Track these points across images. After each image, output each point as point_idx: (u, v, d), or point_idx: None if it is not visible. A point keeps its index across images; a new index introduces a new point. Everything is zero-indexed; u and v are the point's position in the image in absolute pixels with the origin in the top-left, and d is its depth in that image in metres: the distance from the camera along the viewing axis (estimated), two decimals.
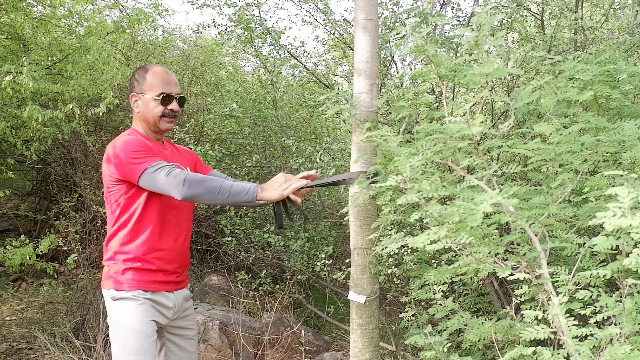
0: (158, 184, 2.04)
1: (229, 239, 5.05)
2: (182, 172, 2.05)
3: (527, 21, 5.05)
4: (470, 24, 4.24)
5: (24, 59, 4.32)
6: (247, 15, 5.34)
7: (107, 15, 6.22)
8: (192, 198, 2.02)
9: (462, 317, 2.36)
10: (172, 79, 2.30)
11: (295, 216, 2.33)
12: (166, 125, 2.28)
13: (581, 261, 1.89)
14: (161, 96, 2.23)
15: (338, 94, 2.79)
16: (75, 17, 5.22)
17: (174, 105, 2.26)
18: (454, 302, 2.60)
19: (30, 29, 5.10)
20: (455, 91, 4.12)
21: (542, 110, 2.19)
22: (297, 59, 5.91)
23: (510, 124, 1.98)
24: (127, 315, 2.14)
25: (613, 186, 1.24)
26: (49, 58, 4.93)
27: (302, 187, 2.19)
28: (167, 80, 2.27)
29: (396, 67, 4.98)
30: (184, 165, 2.38)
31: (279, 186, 2.12)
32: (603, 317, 1.74)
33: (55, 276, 5.06)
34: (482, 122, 1.75)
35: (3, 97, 4.16)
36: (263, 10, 5.64)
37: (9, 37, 4.81)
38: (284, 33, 5.65)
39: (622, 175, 1.54)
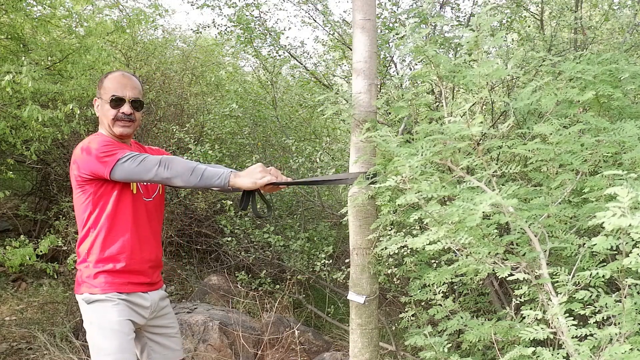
0: (132, 171, 2.04)
1: (229, 239, 5.04)
2: (156, 156, 2.06)
3: (526, 22, 5.05)
4: (470, 24, 4.24)
5: (23, 59, 4.31)
6: (246, 16, 5.34)
7: (107, 15, 6.22)
8: (167, 179, 2.02)
9: (462, 317, 2.36)
10: (128, 83, 2.28)
11: (263, 209, 2.33)
12: (120, 130, 2.26)
13: (581, 261, 1.89)
14: (111, 99, 2.23)
15: (337, 94, 2.79)
16: (75, 17, 5.22)
17: (125, 108, 2.24)
18: (453, 302, 2.60)
19: (30, 29, 5.10)
20: (455, 91, 4.12)
21: (542, 110, 2.19)
22: (296, 59, 5.90)
23: (510, 124, 1.98)
24: (102, 316, 2.14)
25: (612, 186, 1.24)
26: (49, 58, 4.93)
27: (279, 184, 2.17)
28: (122, 84, 2.26)
29: (395, 67, 4.98)
30: None
31: (254, 175, 2.08)
32: (603, 317, 1.74)
33: (55, 276, 5.05)
34: (481, 122, 1.75)
35: (3, 97, 4.15)
36: (262, 11, 5.64)
37: (9, 37, 4.81)
38: (283, 33, 5.65)
39: (621, 176, 1.54)
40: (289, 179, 2.23)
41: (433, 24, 3.91)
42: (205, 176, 2.03)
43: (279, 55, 5.87)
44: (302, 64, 5.99)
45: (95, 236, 2.19)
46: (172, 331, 2.41)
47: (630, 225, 1.14)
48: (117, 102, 2.24)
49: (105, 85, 2.27)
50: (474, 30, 1.96)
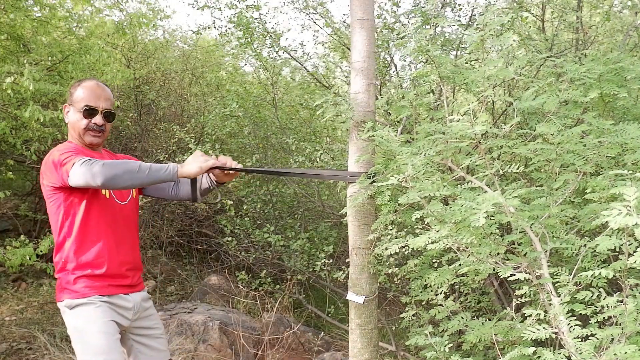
0: (82, 176, 2.01)
1: (229, 238, 5.04)
2: (102, 160, 2.05)
3: (527, 23, 5.05)
4: (471, 23, 4.24)
5: (24, 60, 4.31)
6: (246, 18, 5.34)
7: (107, 16, 6.22)
8: (113, 179, 2.00)
9: (462, 318, 2.36)
10: (102, 94, 2.28)
11: (214, 195, 2.54)
12: (91, 139, 2.26)
13: (582, 261, 1.89)
14: (84, 109, 2.23)
15: (335, 94, 2.79)
16: (75, 18, 5.22)
17: (97, 119, 2.24)
18: (454, 301, 2.60)
19: (30, 29, 5.09)
20: (456, 91, 4.12)
21: (545, 110, 2.19)
22: (297, 60, 5.91)
23: (513, 124, 1.98)
24: (86, 319, 2.11)
25: (616, 187, 1.24)
26: (50, 58, 4.93)
27: (225, 168, 2.27)
28: (96, 94, 2.26)
29: (396, 68, 4.99)
30: None
31: (198, 160, 2.15)
32: (604, 317, 1.74)
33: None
34: (485, 121, 1.75)
35: (3, 97, 4.15)
36: (262, 13, 5.65)
37: (9, 37, 4.80)
38: (282, 35, 5.66)
39: (626, 176, 1.53)
40: (239, 165, 2.33)
41: (435, 25, 3.92)
42: (152, 170, 2.05)
43: (279, 56, 5.87)
44: (301, 64, 5.99)
45: (71, 244, 2.17)
46: (157, 332, 2.39)
47: (636, 224, 1.14)
48: (89, 112, 2.23)
49: (78, 94, 2.26)
50: (478, 30, 1.96)
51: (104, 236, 2.21)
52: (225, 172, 2.33)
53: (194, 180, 2.38)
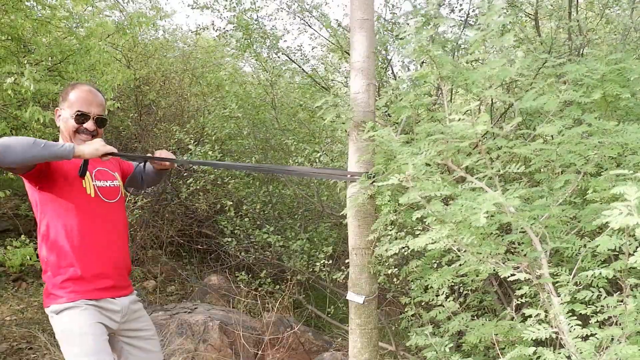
0: None
1: (229, 239, 5.04)
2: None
3: (524, 24, 5.05)
4: (470, 24, 4.25)
5: (25, 60, 4.31)
6: (245, 20, 5.35)
7: (108, 16, 6.22)
8: (5, 151, 1.96)
9: (463, 318, 2.37)
10: (94, 100, 2.30)
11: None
12: (81, 143, 2.24)
13: (582, 261, 1.89)
14: (76, 114, 2.24)
15: (335, 95, 2.79)
16: (76, 18, 5.22)
17: (89, 125, 2.26)
18: (454, 301, 2.60)
19: (30, 29, 5.09)
20: (455, 92, 4.13)
21: (546, 110, 2.20)
22: (295, 62, 5.92)
23: (514, 124, 1.98)
24: (72, 322, 2.10)
25: (616, 187, 1.25)
26: (50, 59, 4.93)
27: (119, 155, 2.30)
28: (88, 100, 2.27)
29: (392, 70, 5.00)
30: (111, 169, 2.41)
31: (95, 144, 2.17)
32: (604, 317, 1.74)
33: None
34: (485, 121, 1.75)
35: (3, 97, 4.16)
36: (261, 16, 5.67)
37: (10, 38, 4.80)
38: (281, 37, 5.68)
39: (627, 176, 1.54)
40: (169, 155, 2.46)
41: (436, 26, 3.92)
42: (48, 145, 2.02)
43: (278, 57, 5.89)
44: (300, 67, 6.00)
45: (51, 244, 2.17)
46: (148, 334, 2.37)
47: (637, 224, 1.14)
48: (81, 117, 2.25)
49: (70, 99, 2.27)
50: (480, 30, 1.97)
51: (87, 236, 2.19)
52: (157, 162, 2.49)
53: (159, 171, 2.58)
